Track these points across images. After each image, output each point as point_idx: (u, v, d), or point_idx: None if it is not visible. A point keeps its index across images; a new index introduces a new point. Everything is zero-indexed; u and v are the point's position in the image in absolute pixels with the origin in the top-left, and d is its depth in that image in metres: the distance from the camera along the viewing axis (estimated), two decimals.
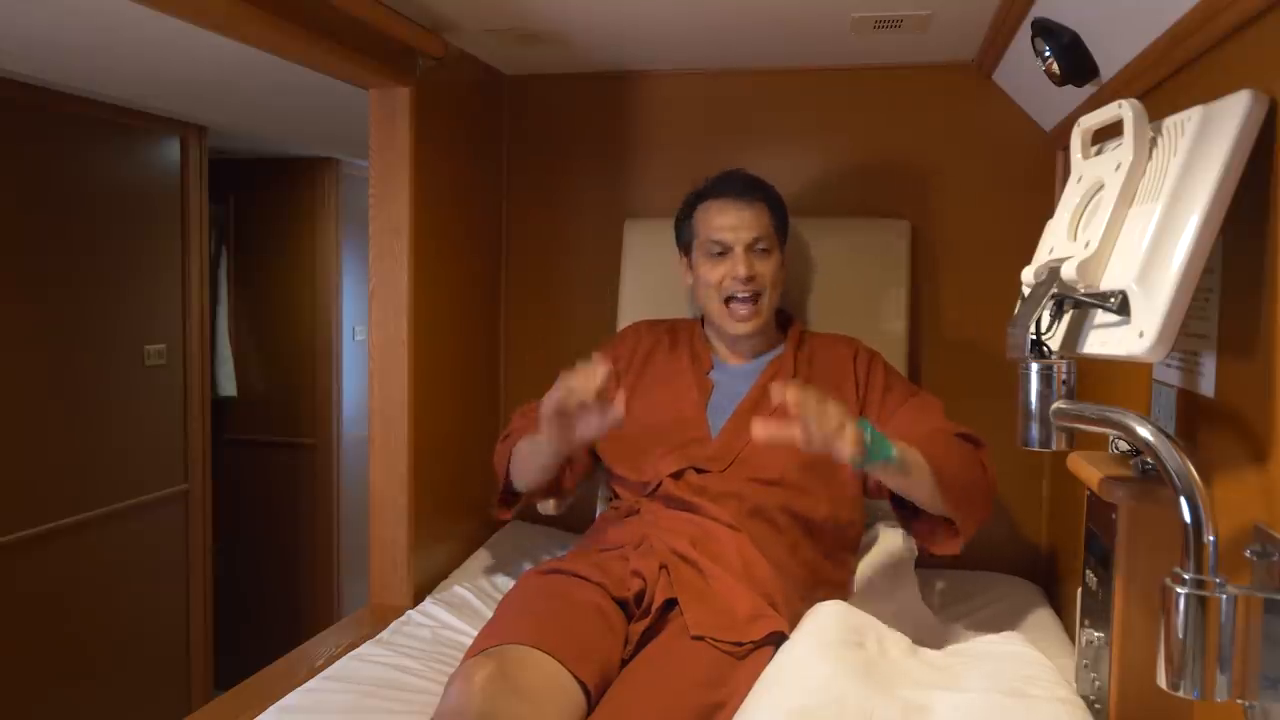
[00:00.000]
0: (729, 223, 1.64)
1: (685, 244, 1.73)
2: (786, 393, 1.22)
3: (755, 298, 1.63)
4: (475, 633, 1.46)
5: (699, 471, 1.57)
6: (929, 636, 1.60)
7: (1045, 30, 1.40)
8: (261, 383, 3.66)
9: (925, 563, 1.72)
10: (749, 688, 1.24)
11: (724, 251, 1.64)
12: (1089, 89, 1.46)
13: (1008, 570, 1.94)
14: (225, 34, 1.43)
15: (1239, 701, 0.82)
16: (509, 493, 1.65)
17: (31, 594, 2.48)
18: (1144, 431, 0.84)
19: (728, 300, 1.64)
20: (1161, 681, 0.81)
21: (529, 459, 1.54)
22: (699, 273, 1.68)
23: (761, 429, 1.25)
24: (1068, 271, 1.02)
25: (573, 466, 1.64)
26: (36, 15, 1.77)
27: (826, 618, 1.37)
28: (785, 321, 1.79)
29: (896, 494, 1.48)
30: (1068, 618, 1.66)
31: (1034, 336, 1.02)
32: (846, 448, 1.23)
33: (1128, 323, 0.94)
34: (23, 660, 2.46)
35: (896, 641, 1.36)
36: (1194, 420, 1.08)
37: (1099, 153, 1.12)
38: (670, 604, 1.36)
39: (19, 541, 2.43)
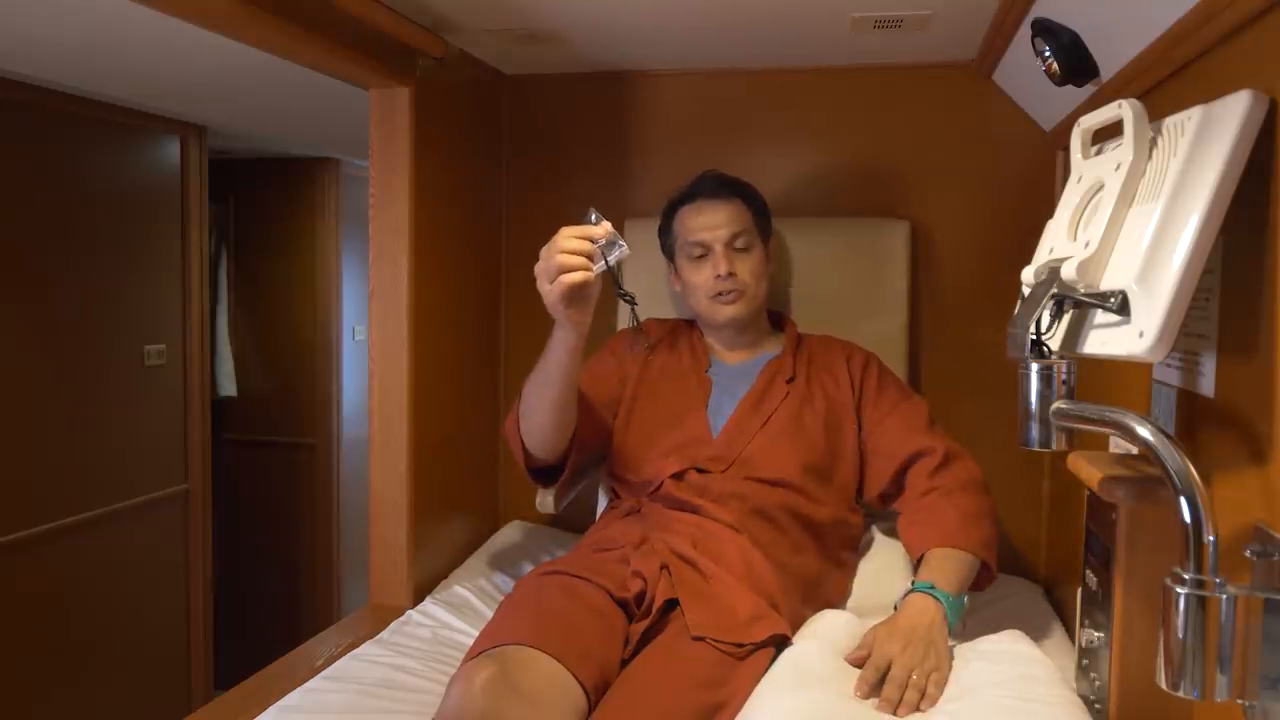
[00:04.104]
0: (705, 223, 1.66)
1: (669, 251, 1.75)
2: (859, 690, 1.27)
3: (740, 293, 1.65)
4: (475, 633, 1.46)
5: (700, 472, 1.57)
6: None
7: (1045, 30, 1.40)
8: (261, 383, 3.66)
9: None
10: (749, 689, 1.24)
11: (704, 254, 1.66)
12: (1089, 89, 1.46)
13: (1008, 570, 1.93)
14: (225, 34, 1.43)
15: (1239, 701, 0.82)
16: (537, 465, 1.58)
17: (31, 594, 2.48)
18: (1144, 431, 0.84)
19: (713, 297, 1.66)
20: (1161, 681, 0.81)
21: (541, 395, 1.46)
22: (684, 276, 1.70)
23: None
24: (1068, 271, 1.02)
25: (578, 443, 1.57)
26: (35, 14, 1.77)
27: (831, 625, 1.37)
28: (780, 322, 1.80)
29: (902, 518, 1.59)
30: (1068, 618, 1.66)
31: (1034, 336, 1.02)
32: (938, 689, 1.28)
33: (1128, 323, 0.94)
34: (23, 660, 2.46)
35: None
36: (1194, 420, 1.08)
37: (1099, 153, 1.12)
38: (671, 604, 1.36)
39: (19, 541, 2.43)
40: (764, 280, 1.69)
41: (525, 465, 1.59)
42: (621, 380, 1.71)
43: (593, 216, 1.29)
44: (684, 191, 1.73)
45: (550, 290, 1.29)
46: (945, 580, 1.41)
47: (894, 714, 1.23)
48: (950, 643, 1.36)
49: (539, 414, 1.49)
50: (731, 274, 1.63)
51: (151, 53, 2.04)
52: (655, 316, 1.88)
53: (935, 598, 1.38)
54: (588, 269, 1.27)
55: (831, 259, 1.97)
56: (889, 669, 1.27)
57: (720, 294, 1.65)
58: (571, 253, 1.27)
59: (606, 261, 1.28)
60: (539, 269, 1.30)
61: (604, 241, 1.27)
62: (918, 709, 1.24)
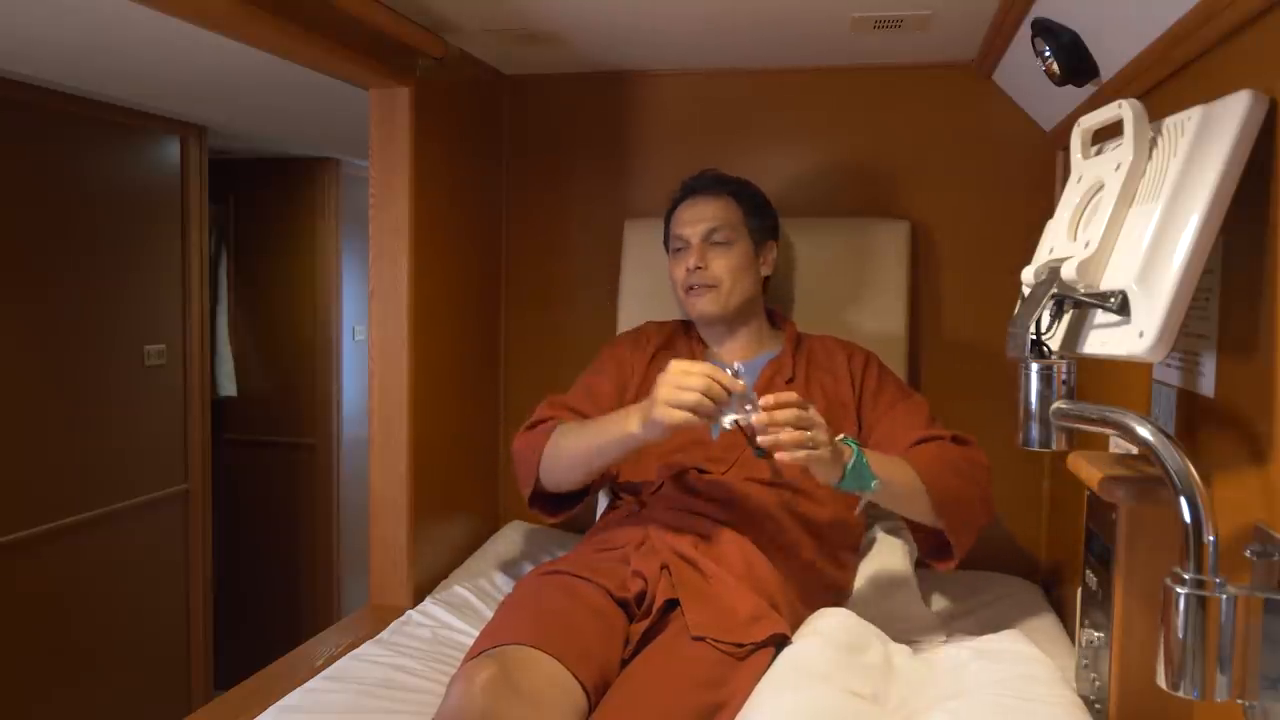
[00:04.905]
0: (688, 217, 1.69)
1: (666, 247, 1.78)
2: (771, 398, 1.25)
3: (710, 288, 1.65)
4: (475, 633, 1.47)
5: (701, 472, 1.57)
6: (928, 636, 1.60)
7: (1045, 30, 1.40)
8: (261, 383, 3.66)
9: (925, 563, 1.72)
10: (749, 689, 1.24)
11: (684, 247, 1.68)
12: (1089, 89, 1.46)
13: (1008, 570, 1.94)
14: (225, 34, 1.43)
15: (1239, 701, 0.82)
16: (543, 494, 1.60)
17: (31, 594, 2.48)
18: (1144, 431, 0.84)
19: (686, 291, 1.68)
20: (1161, 681, 0.81)
21: (592, 456, 1.48)
22: (669, 270, 1.73)
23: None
24: (1068, 271, 1.02)
25: (596, 484, 1.61)
26: (35, 14, 1.77)
27: (831, 624, 1.37)
28: (779, 322, 1.80)
29: None
30: (1068, 618, 1.66)
31: (1034, 336, 1.02)
32: (821, 470, 1.28)
33: (1128, 323, 0.94)
34: (23, 660, 2.46)
35: (899, 650, 1.36)
36: (1194, 420, 1.08)
37: (1099, 153, 1.12)
38: (671, 604, 1.35)
39: (19, 541, 2.43)
40: (745, 278, 1.68)
41: (532, 492, 1.58)
42: (621, 394, 1.71)
43: (738, 367, 1.30)
44: (680, 188, 1.76)
45: (662, 415, 1.29)
46: (873, 454, 1.37)
47: (778, 446, 1.24)
48: (946, 639, 1.35)
49: (574, 468, 1.52)
50: (700, 267, 1.64)
51: (151, 53, 2.04)
52: (656, 318, 1.88)
53: (850, 445, 1.35)
54: (699, 411, 1.27)
55: (831, 259, 1.97)
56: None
57: (691, 288, 1.66)
58: (699, 391, 1.27)
59: (722, 420, 1.28)
60: (670, 382, 1.29)
61: (736, 396, 1.28)
62: (796, 452, 1.24)
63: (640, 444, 1.40)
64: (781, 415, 1.25)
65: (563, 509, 1.63)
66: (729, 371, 1.29)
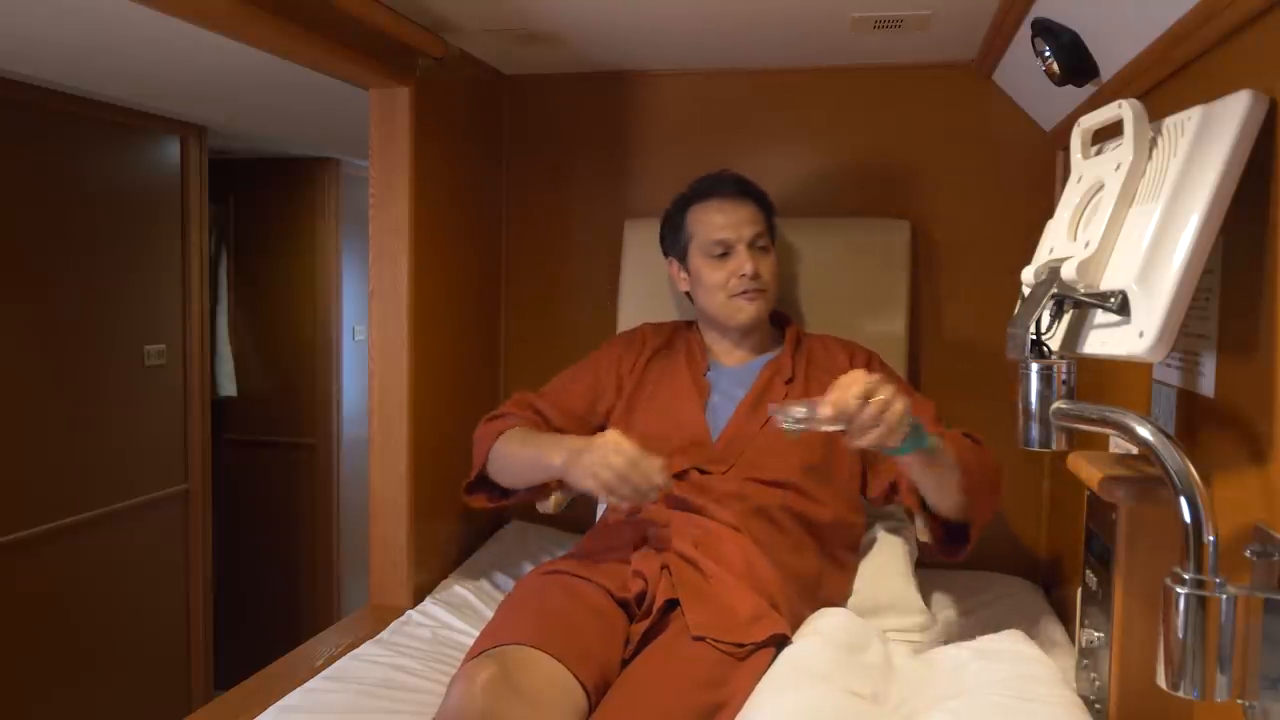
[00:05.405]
0: (728, 221, 1.65)
1: (679, 248, 1.72)
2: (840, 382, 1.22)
3: (762, 292, 1.65)
4: (475, 633, 1.47)
5: (702, 472, 1.57)
6: (928, 637, 1.60)
7: (1045, 30, 1.40)
8: (261, 383, 3.66)
9: (925, 563, 1.72)
10: (750, 689, 1.24)
11: (726, 251, 1.65)
12: (1089, 89, 1.46)
13: (1008, 570, 1.94)
14: (225, 34, 1.43)
15: (1239, 701, 0.82)
16: (484, 481, 1.64)
17: (31, 594, 2.48)
18: (1144, 431, 0.84)
19: (737, 295, 1.65)
20: (1161, 681, 0.81)
21: (525, 468, 1.55)
22: (701, 275, 1.68)
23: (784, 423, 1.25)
24: (1068, 271, 1.02)
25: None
26: (35, 14, 1.77)
27: (831, 624, 1.37)
28: (781, 323, 1.79)
29: (910, 497, 1.49)
30: (1068, 618, 1.66)
31: (1034, 336, 1.02)
32: (890, 435, 1.22)
33: (1128, 323, 0.94)
34: (23, 660, 2.46)
35: (899, 650, 1.36)
36: (1194, 420, 1.08)
37: (1099, 153, 1.13)
38: (672, 604, 1.35)
39: (19, 541, 2.43)
40: (776, 284, 1.71)
41: (473, 481, 1.63)
42: (595, 399, 1.71)
43: (659, 464, 1.36)
44: (703, 186, 1.72)
45: (579, 478, 1.36)
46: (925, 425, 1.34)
47: (861, 435, 1.21)
48: (946, 639, 1.35)
49: (517, 474, 1.58)
50: (758, 274, 1.64)
51: (151, 53, 2.04)
52: (656, 318, 1.88)
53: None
54: (613, 493, 1.34)
55: (832, 259, 1.97)
56: (874, 392, 1.20)
57: (745, 292, 1.64)
58: (617, 474, 1.32)
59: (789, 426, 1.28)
60: (600, 452, 1.34)
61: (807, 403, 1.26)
62: (882, 435, 1.20)
63: (560, 478, 1.46)
64: (863, 419, 1.19)
65: (503, 499, 1.66)
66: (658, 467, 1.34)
